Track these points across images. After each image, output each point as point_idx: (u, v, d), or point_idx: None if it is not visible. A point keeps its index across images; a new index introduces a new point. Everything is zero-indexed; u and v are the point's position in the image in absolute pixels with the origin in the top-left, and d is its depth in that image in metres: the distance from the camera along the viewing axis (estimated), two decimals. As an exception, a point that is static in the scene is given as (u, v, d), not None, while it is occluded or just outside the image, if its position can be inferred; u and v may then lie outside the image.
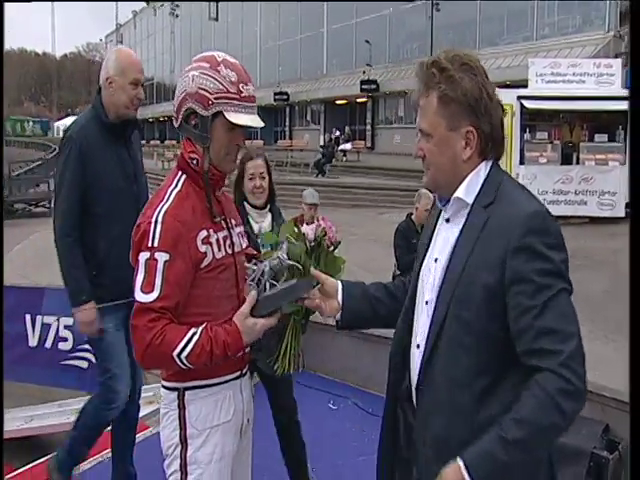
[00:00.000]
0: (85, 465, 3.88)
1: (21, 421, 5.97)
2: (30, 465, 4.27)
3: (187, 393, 2.00)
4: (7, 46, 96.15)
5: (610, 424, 3.66)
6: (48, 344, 6.25)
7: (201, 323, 1.89)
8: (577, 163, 15.54)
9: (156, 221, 1.88)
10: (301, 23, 40.66)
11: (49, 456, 3.50)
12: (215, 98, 1.92)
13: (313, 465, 3.56)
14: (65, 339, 6.16)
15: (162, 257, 1.85)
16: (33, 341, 6.32)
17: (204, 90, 1.93)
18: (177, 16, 53.43)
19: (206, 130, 1.95)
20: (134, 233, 1.92)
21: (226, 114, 1.92)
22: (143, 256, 1.87)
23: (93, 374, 6.10)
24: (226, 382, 2.06)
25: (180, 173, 2.03)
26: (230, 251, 2.04)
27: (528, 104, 15.77)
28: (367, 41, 33.55)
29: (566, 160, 15.64)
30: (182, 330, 1.86)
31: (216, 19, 44.73)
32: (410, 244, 6.22)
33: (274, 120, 42.90)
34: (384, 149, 32.36)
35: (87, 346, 6.21)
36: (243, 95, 1.95)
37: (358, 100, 35.19)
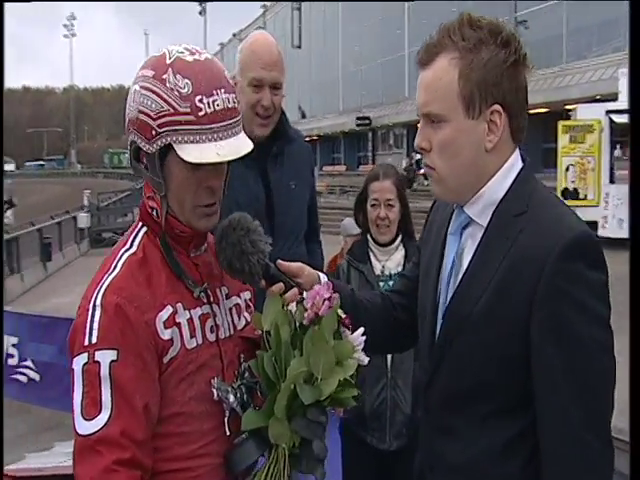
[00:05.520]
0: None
1: (64, 457, 5.88)
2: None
3: None
4: (107, 83, 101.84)
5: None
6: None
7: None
8: (676, 181, 14.33)
9: (94, 305, 1.29)
10: (382, 47, 40.51)
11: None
12: (159, 125, 1.29)
13: None
14: (12, 355, 6.93)
15: (106, 357, 1.25)
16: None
17: (145, 114, 1.30)
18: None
19: (156, 173, 1.32)
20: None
21: (176, 147, 1.28)
22: (79, 362, 1.26)
23: (35, 388, 6.73)
24: None
25: (140, 226, 1.44)
26: (212, 338, 1.41)
27: (618, 118, 14.76)
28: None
29: (663, 178, 14.44)
30: None
31: (299, 47, 45.37)
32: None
33: (357, 145, 42.83)
34: (468, 171, 31.47)
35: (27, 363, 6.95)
36: (202, 114, 1.28)
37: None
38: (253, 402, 1.40)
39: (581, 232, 1.27)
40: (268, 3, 51.46)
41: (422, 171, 29.76)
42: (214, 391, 1.35)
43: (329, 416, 1.39)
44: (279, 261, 1.46)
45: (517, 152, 1.39)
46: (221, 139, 1.31)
